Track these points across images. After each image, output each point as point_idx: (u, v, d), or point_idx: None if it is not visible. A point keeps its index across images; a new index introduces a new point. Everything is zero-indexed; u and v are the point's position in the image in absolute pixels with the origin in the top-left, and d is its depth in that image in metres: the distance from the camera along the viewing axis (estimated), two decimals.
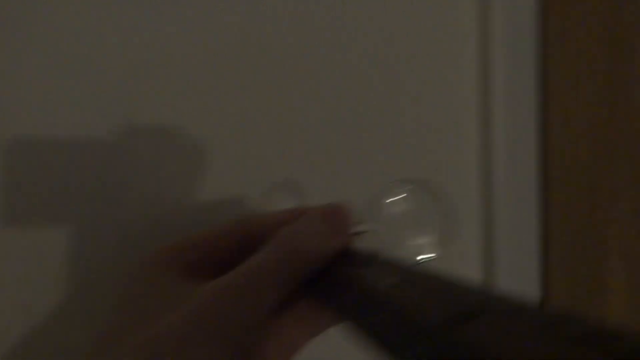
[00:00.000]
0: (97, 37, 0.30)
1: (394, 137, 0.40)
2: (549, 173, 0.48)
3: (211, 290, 0.20)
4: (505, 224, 0.44)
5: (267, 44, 0.35)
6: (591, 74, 0.49)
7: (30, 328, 0.28)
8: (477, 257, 0.45)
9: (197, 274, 0.23)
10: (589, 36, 0.49)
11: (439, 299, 0.15)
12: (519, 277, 0.46)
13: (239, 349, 0.19)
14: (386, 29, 0.40)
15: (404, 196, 0.26)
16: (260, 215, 0.26)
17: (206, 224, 0.32)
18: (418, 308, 0.14)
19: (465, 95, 0.44)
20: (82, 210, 0.29)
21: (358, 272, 0.20)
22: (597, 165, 0.49)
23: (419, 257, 0.25)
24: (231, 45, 0.34)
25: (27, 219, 0.28)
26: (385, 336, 0.15)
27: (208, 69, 0.33)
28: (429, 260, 0.25)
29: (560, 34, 0.48)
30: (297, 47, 0.36)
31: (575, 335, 0.10)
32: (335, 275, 0.21)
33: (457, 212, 0.24)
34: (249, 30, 0.34)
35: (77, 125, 0.30)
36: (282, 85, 0.35)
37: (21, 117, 0.28)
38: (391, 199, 0.26)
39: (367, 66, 0.39)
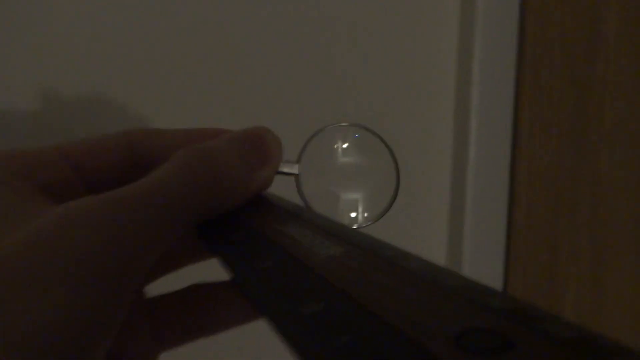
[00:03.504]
0: None
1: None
2: (516, 178, 0.51)
3: (65, 212, 0.13)
4: (474, 216, 0.49)
5: None
6: (562, 95, 0.53)
7: None
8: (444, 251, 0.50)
9: (58, 198, 0.16)
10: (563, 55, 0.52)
11: (433, 301, 0.10)
12: (484, 261, 0.50)
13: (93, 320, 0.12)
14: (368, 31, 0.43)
15: (348, 144, 0.21)
16: (159, 129, 0.19)
17: None
18: (398, 311, 0.09)
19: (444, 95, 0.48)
20: None
21: (285, 228, 0.15)
22: (561, 176, 0.53)
23: (352, 218, 0.20)
24: None
25: None
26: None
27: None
28: (364, 225, 0.20)
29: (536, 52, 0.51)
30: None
31: None
32: (248, 227, 0.15)
33: (400, 179, 0.20)
34: None
35: None
36: None
37: None
38: (333, 144, 0.20)
39: (350, 65, 0.41)
